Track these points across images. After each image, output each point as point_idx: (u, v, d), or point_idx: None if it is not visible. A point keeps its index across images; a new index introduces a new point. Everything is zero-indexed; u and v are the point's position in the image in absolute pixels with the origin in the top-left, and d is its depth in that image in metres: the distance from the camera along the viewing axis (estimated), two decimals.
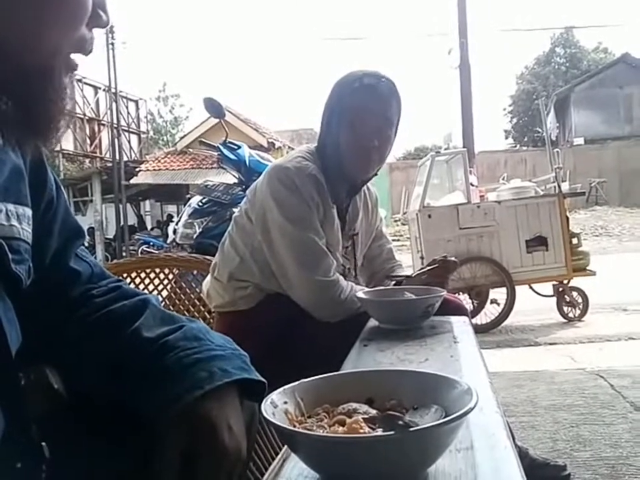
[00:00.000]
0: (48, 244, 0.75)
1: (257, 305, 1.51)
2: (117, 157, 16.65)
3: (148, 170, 16.40)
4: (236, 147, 3.21)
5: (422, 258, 4.69)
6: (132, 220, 18.12)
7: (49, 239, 0.75)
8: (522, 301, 4.70)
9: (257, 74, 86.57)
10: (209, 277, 1.64)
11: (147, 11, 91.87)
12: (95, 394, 0.71)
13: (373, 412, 0.55)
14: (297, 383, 0.59)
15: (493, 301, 4.70)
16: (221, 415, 0.65)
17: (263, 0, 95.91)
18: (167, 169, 16.09)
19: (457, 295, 4.80)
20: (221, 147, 3.20)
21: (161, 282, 2.16)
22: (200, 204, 3.19)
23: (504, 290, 4.63)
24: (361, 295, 1.26)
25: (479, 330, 4.55)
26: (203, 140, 3.61)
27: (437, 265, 1.46)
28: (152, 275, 2.15)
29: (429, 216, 4.71)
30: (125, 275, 2.16)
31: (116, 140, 16.95)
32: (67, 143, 16.80)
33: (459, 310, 1.39)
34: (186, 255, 2.31)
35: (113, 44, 16.87)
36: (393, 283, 1.51)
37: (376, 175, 1.58)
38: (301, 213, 1.42)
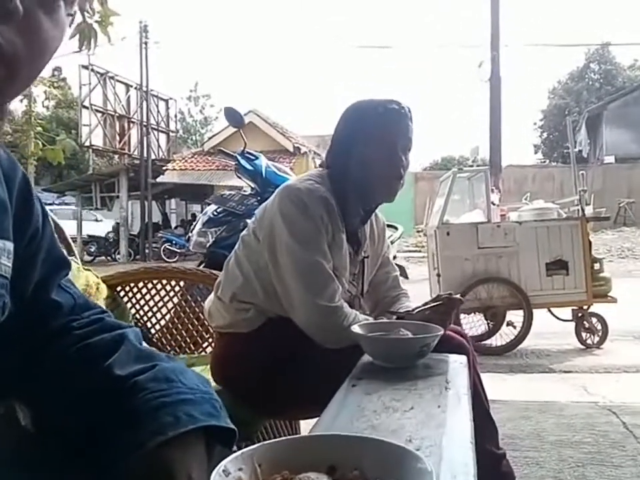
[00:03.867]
0: (30, 275, 0.74)
1: (257, 329, 1.49)
2: (145, 155, 16.88)
3: (175, 169, 16.60)
4: (253, 157, 3.21)
5: (438, 275, 4.62)
6: (157, 217, 18.34)
7: (31, 270, 0.74)
8: (540, 323, 4.59)
9: (286, 78, 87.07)
10: (212, 295, 1.63)
11: (182, 11, 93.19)
12: (64, 432, 0.70)
13: None
14: (255, 446, 0.57)
15: (509, 323, 4.60)
16: (182, 464, 0.63)
17: (293, 6, 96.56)
18: (193, 169, 16.26)
19: (471, 314, 4.71)
20: (239, 157, 3.21)
21: (167, 294, 2.16)
22: (214, 213, 3.20)
23: (521, 312, 4.54)
24: (356, 328, 1.23)
25: (493, 352, 4.47)
26: (222, 149, 3.63)
27: (440, 302, 1.43)
28: (158, 286, 2.16)
29: (448, 233, 4.64)
30: (132, 285, 2.17)
31: (145, 138, 17.19)
32: (97, 138, 17.12)
33: (460, 348, 1.35)
34: (193, 268, 2.32)
35: (146, 43, 17.14)
36: (394, 318, 1.48)
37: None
38: (310, 234, 1.41)
